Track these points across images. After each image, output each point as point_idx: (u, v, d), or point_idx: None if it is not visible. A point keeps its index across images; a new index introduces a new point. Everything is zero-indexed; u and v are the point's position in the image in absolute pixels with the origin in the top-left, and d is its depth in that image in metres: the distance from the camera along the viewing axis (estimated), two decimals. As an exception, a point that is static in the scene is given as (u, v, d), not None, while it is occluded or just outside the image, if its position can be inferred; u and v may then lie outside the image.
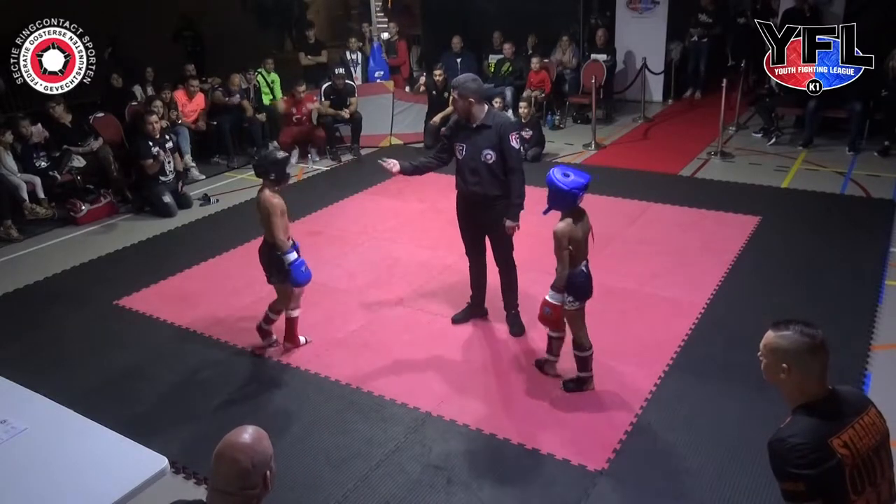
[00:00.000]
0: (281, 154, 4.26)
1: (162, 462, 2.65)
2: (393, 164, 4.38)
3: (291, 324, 4.49)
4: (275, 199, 4.09)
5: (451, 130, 4.43)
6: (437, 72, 9.29)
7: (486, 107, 4.26)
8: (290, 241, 4.19)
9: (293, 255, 4.13)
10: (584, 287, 3.72)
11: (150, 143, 7.23)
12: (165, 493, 2.78)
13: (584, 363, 3.93)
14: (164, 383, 4.28)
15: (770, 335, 1.98)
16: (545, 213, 3.72)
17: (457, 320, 4.77)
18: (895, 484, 1.97)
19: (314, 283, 5.48)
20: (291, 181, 8.20)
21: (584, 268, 3.69)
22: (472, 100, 4.19)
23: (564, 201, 3.58)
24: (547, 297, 3.72)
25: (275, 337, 4.56)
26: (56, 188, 7.33)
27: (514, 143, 4.21)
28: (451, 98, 9.17)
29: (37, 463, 2.66)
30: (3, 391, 3.16)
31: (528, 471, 3.40)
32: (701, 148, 8.69)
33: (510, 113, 9.48)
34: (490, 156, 4.21)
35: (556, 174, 3.59)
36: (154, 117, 7.33)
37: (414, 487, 3.32)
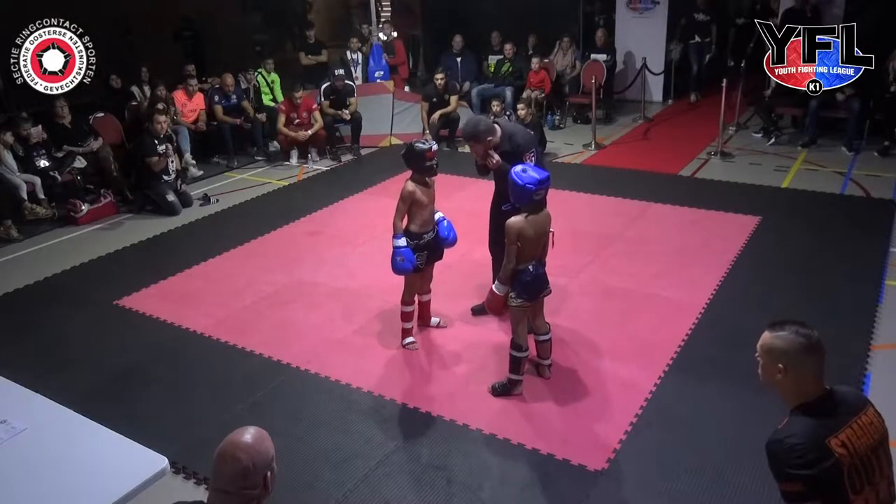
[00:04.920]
0: (418, 147, 4.19)
1: (162, 462, 2.65)
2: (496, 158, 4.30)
3: (423, 307, 4.68)
4: (409, 187, 4.19)
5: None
6: (439, 76, 9.29)
7: (498, 130, 4.30)
8: (431, 229, 4.31)
9: (400, 241, 4.21)
10: (529, 287, 3.73)
11: (156, 141, 7.27)
12: (165, 493, 2.81)
13: (516, 364, 3.91)
14: (165, 383, 4.28)
15: (766, 336, 1.99)
16: (505, 207, 3.88)
17: (476, 311, 4.84)
18: (894, 483, 1.98)
19: (315, 282, 5.55)
20: (291, 181, 8.26)
21: (531, 267, 3.71)
22: (489, 139, 4.23)
23: (521, 196, 3.65)
24: (492, 286, 3.82)
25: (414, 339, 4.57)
26: (56, 188, 7.33)
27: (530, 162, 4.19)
28: (452, 101, 9.26)
29: (37, 463, 2.66)
30: (3, 391, 3.16)
31: (528, 471, 3.40)
32: (701, 148, 8.70)
33: (510, 115, 9.48)
34: None
35: (515, 169, 3.68)
36: (163, 116, 7.38)
37: (414, 487, 3.33)
